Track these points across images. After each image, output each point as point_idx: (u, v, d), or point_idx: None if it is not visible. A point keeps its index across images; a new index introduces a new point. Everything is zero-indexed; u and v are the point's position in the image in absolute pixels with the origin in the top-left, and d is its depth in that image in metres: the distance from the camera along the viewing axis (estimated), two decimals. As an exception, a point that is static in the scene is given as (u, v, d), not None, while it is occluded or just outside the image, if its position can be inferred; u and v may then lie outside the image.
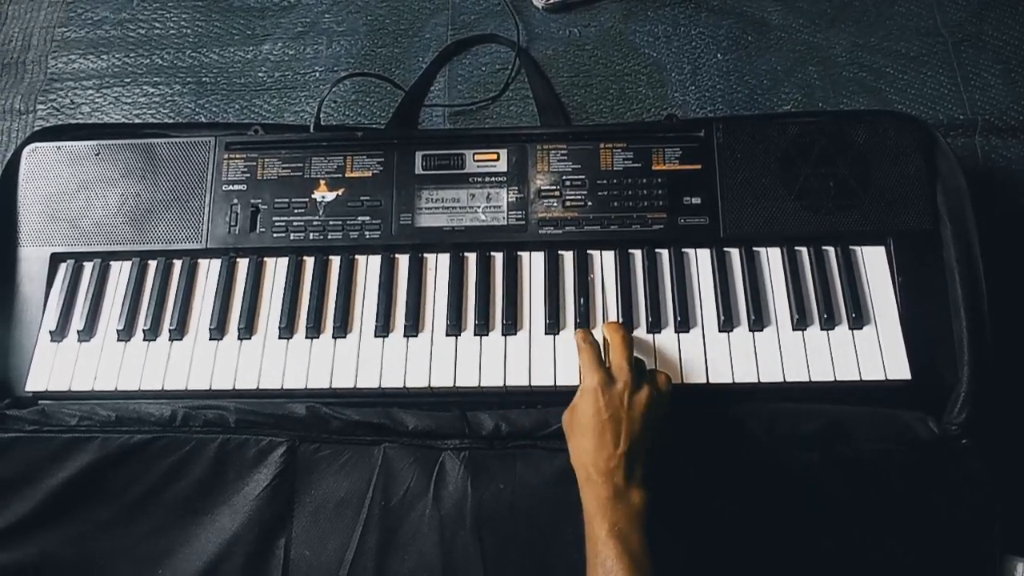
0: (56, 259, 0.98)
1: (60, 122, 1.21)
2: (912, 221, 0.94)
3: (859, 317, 0.90)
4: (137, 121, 1.21)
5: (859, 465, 0.84)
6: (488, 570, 0.82)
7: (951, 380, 0.87)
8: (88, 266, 0.98)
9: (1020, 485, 0.90)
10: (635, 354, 0.84)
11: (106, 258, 0.98)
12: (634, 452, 0.75)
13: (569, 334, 0.91)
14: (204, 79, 1.24)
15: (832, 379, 0.88)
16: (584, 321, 0.91)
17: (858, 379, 0.88)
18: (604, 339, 0.87)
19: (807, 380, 0.88)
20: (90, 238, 0.98)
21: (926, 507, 0.84)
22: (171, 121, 1.20)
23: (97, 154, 1.00)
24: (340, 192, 0.97)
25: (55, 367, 0.93)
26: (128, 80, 1.25)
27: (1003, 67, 1.18)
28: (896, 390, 0.88)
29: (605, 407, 0.77)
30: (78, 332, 0.94)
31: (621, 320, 0.91)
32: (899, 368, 0.88)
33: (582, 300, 0.92)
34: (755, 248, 0.95)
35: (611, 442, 0.75)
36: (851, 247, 0.95)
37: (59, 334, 0.94)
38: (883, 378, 0.88)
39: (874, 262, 0.94)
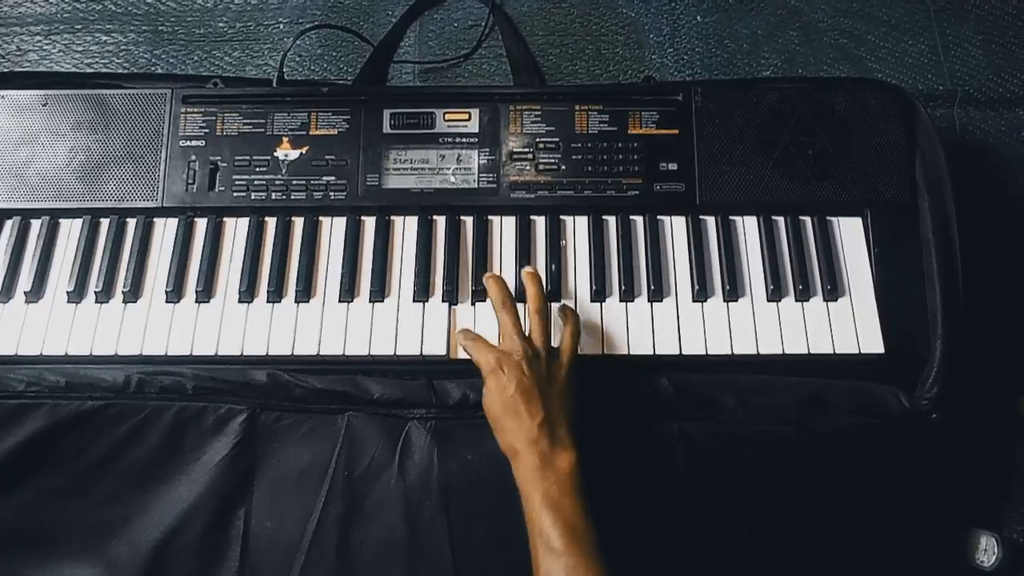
0: (1, 215, 0.93)
1: (4, 70, 1.15)
2: (890, 192, 0.93)
3: (834, 289, 0.89)
4: (88, 71, 1.15)
5: (830, 438, 0.84)
6: (454, 541, 0.80)
7: (924, 354, 0.87)
8: (36, 223, 0.93)
9: (987, 459, 0.91)
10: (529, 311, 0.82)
11: (55, 215, 0.93)
12: (552, 418, 0.74)
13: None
14: (161, 27, 1.18)
15: (806, 352, 0.87)
16: (555, 288, 0.89)
17: (832, 352, 0.87)
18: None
19: (781, 352, 0.87)
20: (38, 194, 0.92)
21: (895, 480, 0.84)
22: (125, 72, 1.15)
23: (44, 104, 0.95)
24: (304, 150, 0.93)
25: (1, 329, 0.88)
26: (79, 27, 1.18)
27: (984, 37, 1.16)
28: (870, 363, 0.88)
29: (508, 382, 0.75)
30: (25, 293, 0.89)
31: (595, 288, 0.89)
32: (873, 342, 0.87)
33: (553, 266, 0.90)
34: (731, 217, 0.93)
35: (526, 414, 0.74)
36: (828, 217, 0.93)
37: (4, 294, 0.89)
38: (857, 351, 0.87)
39: (851, 233, 0.93)
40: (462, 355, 0.86)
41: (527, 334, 0.80)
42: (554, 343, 0.81)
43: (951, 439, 0.83)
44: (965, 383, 0.85)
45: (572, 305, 0.88)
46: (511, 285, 0.86)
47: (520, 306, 0.84)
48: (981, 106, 1.13)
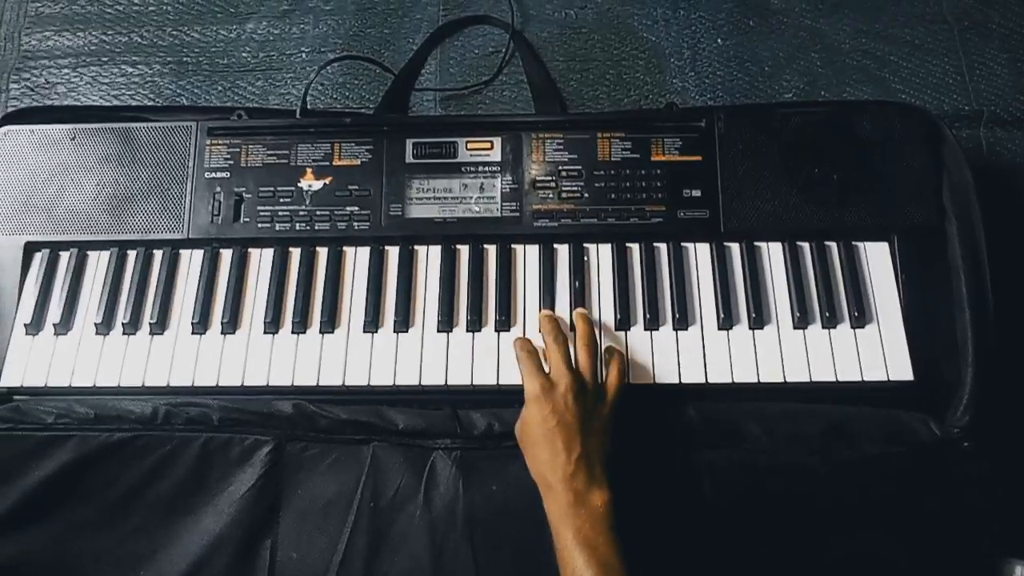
0: (30, 248, 0.94)
1: (34, 102, 1.17)
2: (917, 216, 0.92)
3: (861, 315, 0.88)
4: (115, 103, 1.16)
5: (859, 466, 0.83)
6: (480, 572, 0.80)
7: (954, 381, 0.86)
8: (64, 256, 0.94)
9: (1020, 488, 0.89)
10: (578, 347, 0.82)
11: (83, 247, 0.94)
12: (589, 454, 0.74)
13: (564, 329, 0.88)
14: (185, 59, 1.19)
15: (833, 379, 0.86)
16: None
17: (860, 380, 0.86)
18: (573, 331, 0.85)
19: (808, 380, 0.86)
20: (66, 226, 0.94)
21: (926, 509, 0.83)
22: (151, 103, 1.16)
23: (73, 138, 0.96)
24: (327, 181, 0.94)
25: (30, 361, 0.89)
26: (105, 59, 1.20)
27: (1009, 56, 1.15)
28: (898, 390, 0.87)
29: (551, 414, 0.75)
30: (54, 325, 0.90)
31: (619, 317, 0.89)
32: (901, 369, 0.86)
33: (577, 283, 0.90)
34: (756, 243, 0.93)
35: (563, 448, 0.74)
36: (854, 243, 0.92)
37: (34, 327, 0.90)
38: (885, 379, 0.86)
39: (877, 259, 0.92)
40: (484, 381, 0.86)
41: (576, 367, 0.80)
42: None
43: (981, 466, 0.82)
44: (997, 410, 0.83)
45: (596, 333, 0.88)
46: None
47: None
48: (1008, 126, 1.12)
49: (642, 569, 0.70)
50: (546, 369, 0.81)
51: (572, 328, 0.87)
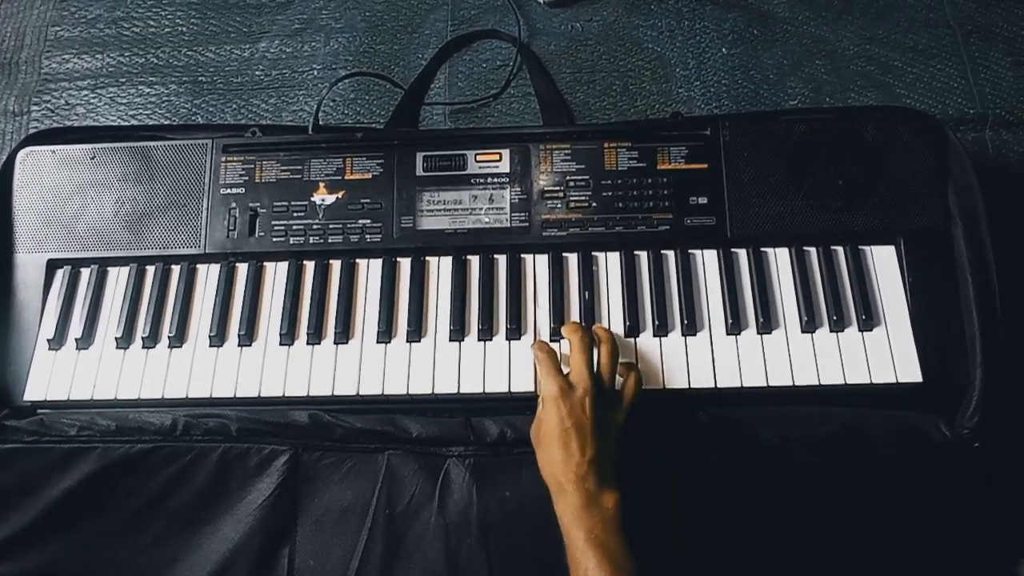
0: (52, 265, 0.96)
1: (55, 123, 1.20)
2: (923, 220, 0.92)
3: (869, 318, 0.89)
4: (133, 122, 1.19)
5: (871, 469, 0.83)
6: (494, 577, 0.81)
7: (963, 382, 0.86)
8: (85, 272, 0.96)
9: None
10: (601, 354, 0.83)
11: (103, 264, 0.96)
12: (602, 457, 0.75)
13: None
14: (200, 78, 1.22)
15: (842, 382, 0.87)
16: (589, 324, 0.90)
17: (868, 382, 0.87)
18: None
19: (816, 383, 0.87)
20: (87, 244, 0.96)
21: (938, 510, 0.83)
22: (167, 122, 1.18)
23: (92, 158, 0.99)
24: (340, 195, 0.96)
25: (53, 376, 0.91)
26: (123, 80, 1.23)
27: (1014, 59, 1.16)
28: (907, 392, 0.87)
29: (568, 415, 0.76)
30: (76, 340, 0.92)
31: (628, 323, 0.90)
32: (910, 370, 0.87)
33: (587, 294, 0.91)
34: (763, 248, 0.94)
35: (578, 450, 0.75)
36: (861, 247, 0.93)
37: (57, 342, 0.93)
38: (894, 380, 0.87)
39: (884, 262, 0.92)
40: (496, 389, 0.87)
41: (596, 371, 0.81)
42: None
43: (992, 466, 0.82)
44: (1007, 410, 0.84)
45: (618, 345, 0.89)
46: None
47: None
48: (1013, 128, 1.12)
49: (655, 571, 0.70)
50: (565, 371, 0.82)
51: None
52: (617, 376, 0.84)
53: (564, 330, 0.86)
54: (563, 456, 0.75)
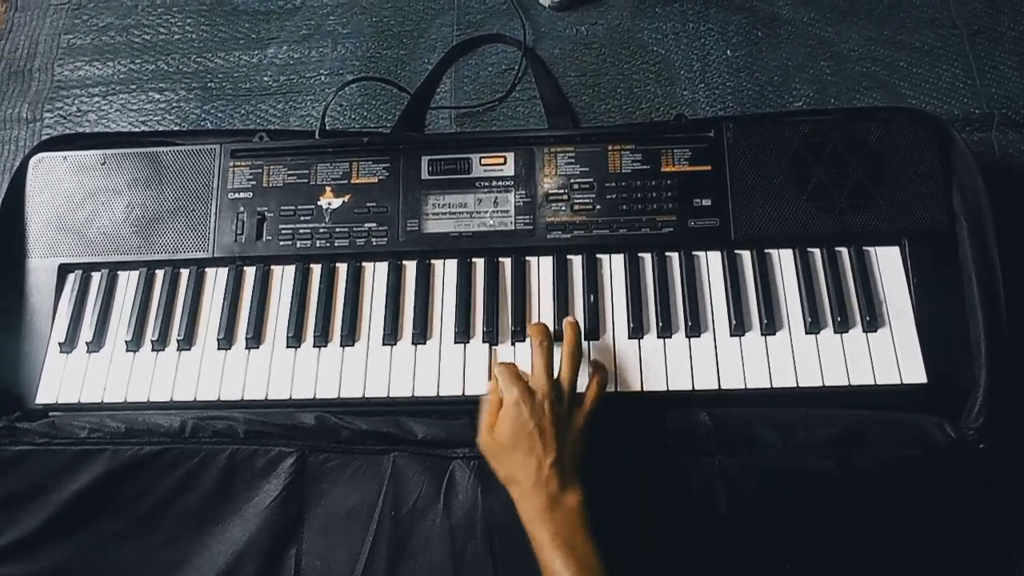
0: (64, 270, 0.98)
1: (67, 130, 1.21)
2: (927, 221, 0.92)
3: (873, 320, 0.89)
4: (143, 128, 1.21)
5: (875, 471, 0.83)
6: (499, 578, 0.81)
7: (967, 383, 0.86)
8: (96, 276, 0.98)
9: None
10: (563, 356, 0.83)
11: (114, 268, 0.98)
12: (564, 460, 0.76)
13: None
14: (209, 84, 1.23)
15: (846, 383, 0.87)
16: (593, 326, 0.90)
17: (873, 383, 0.87)
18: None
19: (820, 385, 0.87)
20: (98, 248, 0.98)
21: (943, 512, 0.83)
22: (177, 128, 1.20)
23: (103, 163, 1.00)
24: (346, 198, 0.97)
25: (64, 379, 0.93)
26: (134, 87, 1.24)
27: (1020, 59, 1.15)
28: (911, 394, 0.87)
29: (529, 418, 0.77)
30: (87, 343, 0.94)
31: (632, 325, 0.90)
32: (915, 372, 0.87)
33: (591, 297, 0.92)
34: (767, 250, 0.94)
35: (540, 452, 0.76)
36: (865, 248, 0.93)
37: (68, 345, 0.94)
38: (898, 382, 0.87)
39: (888, 263, 0.92)
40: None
41: (557, 376, 0.82)
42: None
43: (997, 468, 0.82)
44: (1011, 411, 0.83)
45: (610, 342, 0.90)
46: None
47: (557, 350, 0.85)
48: (1020, 128, 1.11)
49: (624, 569, 0.71)
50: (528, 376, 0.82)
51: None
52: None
53: (529, 330, 0.86)
54: (524, 459, 0.76)
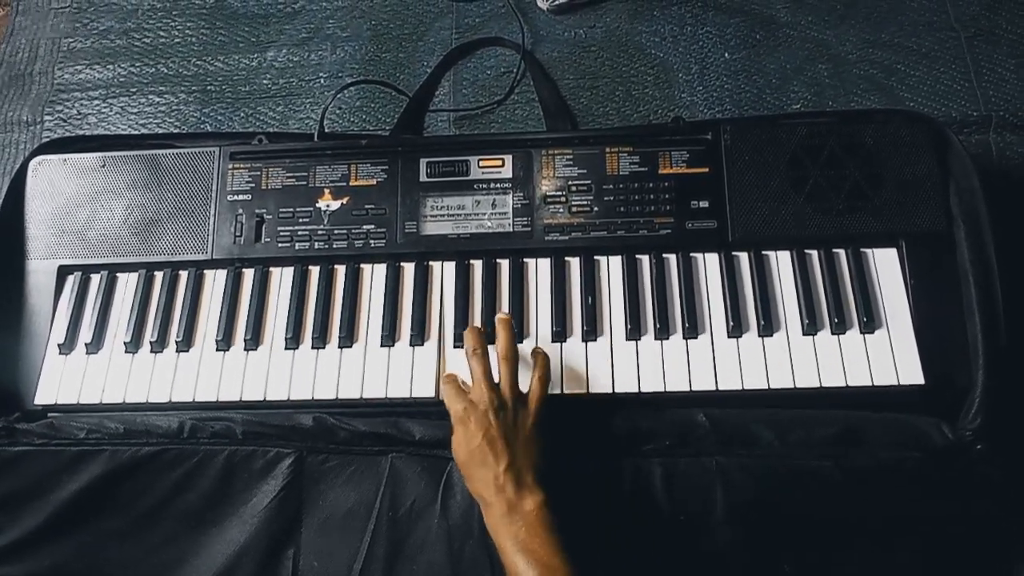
0: (63, 271, 0.98)
1: (67, 133, 1.22)
2: (925, 222, 0.92)
3: (871, 321, 0.89)
4: (143, 131, 1.21)
5: (873, 472, 0.83)
6: (497, 580, 0.81)
7: (965, 384, 0.86)
8: (95, 278, 0.98)
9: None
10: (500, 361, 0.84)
11: (113, 270, 0.98)
12: (518, 464, 0.76)
13: (576, 341, 0.90)
14: (209, 87, 1.24)
15: (844, 384, 0.87)
16: (591, 327, 0.91)
17: (870, 384, 0.87)
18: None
19: (818, 386, 0.87)
20: (97, 250, 0.98)
21: (941, 513, 0.83)
22: (176, 131, 1.20)
23: (103, 166, 1.01)
24: (345, 201, 0.97)
25: (63, 380, 0.93)
26: (134, 90, 1.25)
27: (1018, 62, 1.16)
28: (909, 395, 0.87)
29: (476, 432, 0.78)
30: (86, 345, 0.94)
31: (629, 327, 0.90)
32: (912, 373, 0.87)
33: (589, 298, 0.92)
34: (764, 252, 0.94)
35: (493, 462, 0.76)
36: (862, 249, 0.93)
37: (67, 347, 0.94)
38: (896, 383, 0.87)
39: (886, 265, 0.92)
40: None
41: (497, 382, 0.82)
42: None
43: (995, 468, 0.82)
44: (1009, 413, 0.83)
45: (608, 344, 0.90)
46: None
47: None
48: (1018, 130, 1.12)
49: (591, 569, 0.71)
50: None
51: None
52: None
53: (464, 336, 0.86)
54: (481, 471, 0.77)
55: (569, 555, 0.71)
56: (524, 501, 0.74)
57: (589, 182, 0.96)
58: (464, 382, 0.85)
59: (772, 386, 0.87)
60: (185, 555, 0.86)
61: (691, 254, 0.94)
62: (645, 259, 0.94)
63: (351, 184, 0.98)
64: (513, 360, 0.84)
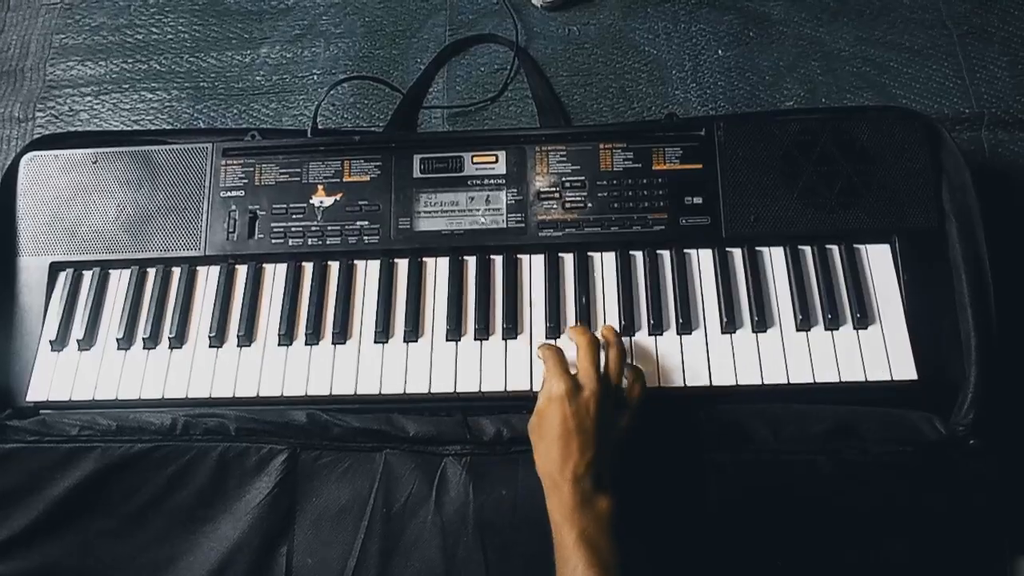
0: (55, 268, 0.97)
1: (59, 129, 1.21)
2: (917, 218, 0.93)
3: (864, 317, 0.89)
4: (135, 127, 1.20)
5: (866, 467, 0.83)
6: (491, 575, 0.81)
7: (958, 379, 0.86)
8: (87, 275, 0.97)
9: (1028, 485, 0.89)
10: (609, 357, 0.83)
11: (105, 267, 0.97)
12: (601, 459, 0.75)
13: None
14: (202, 84, 1.23)
15: (837, 380, 0.87)
16: (585, 323, 0.90)
17: (863, 379, 0.87)
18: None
19: (811, 381, 0.87)
20: (89, 247, 0.97)
21: (934, 508, 0.83)
22: (169, 127, 1.20)
23: (95, 162, 1.00)
24: (338, 197, 0.97)
25: (55, 377, 0.92)
26: (126, 86, 1.24)
27: (1010, 59, 1.16)
28: (902, 390, 0.87)
29: (572, 415, 0.76)
30: (78, 341, 0.93)
31: (623, 323, 0.90)
32: (905, 368, 0.87)
33: (583, 299, 0.92)
34: (758, 248, 0.94)
35: (577, 450, 0.75)
36: (855, 245, 0.93)
37: (59, 343, 0.94)
38: (889, 378, 0.87)
39: (879, 260, 0.93)
40: (493, 388, 0.88)
41: (604, 372, 0.81)
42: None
43: (988, 463, 0.82)
44: (1002, 407, 0.84)
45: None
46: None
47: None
48: (1009, 127, 1.12)
49: (645, 566, 0.71)
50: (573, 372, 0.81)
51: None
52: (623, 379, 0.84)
53: (571, 332, 0.85)
54: (562, 455, 0.75)
55: (622, 566, 0.71)
56: (599, 499, 0.73)
57: (583, 178, 0.96)
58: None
59: (766, 381, 0.87)
60: (178, 553, 0.85)
61: (685, 250, 0.94)
62: (639, 255, 0.94)
63: (344, 180, 0.97)
64: (622, 359, 0.83)
